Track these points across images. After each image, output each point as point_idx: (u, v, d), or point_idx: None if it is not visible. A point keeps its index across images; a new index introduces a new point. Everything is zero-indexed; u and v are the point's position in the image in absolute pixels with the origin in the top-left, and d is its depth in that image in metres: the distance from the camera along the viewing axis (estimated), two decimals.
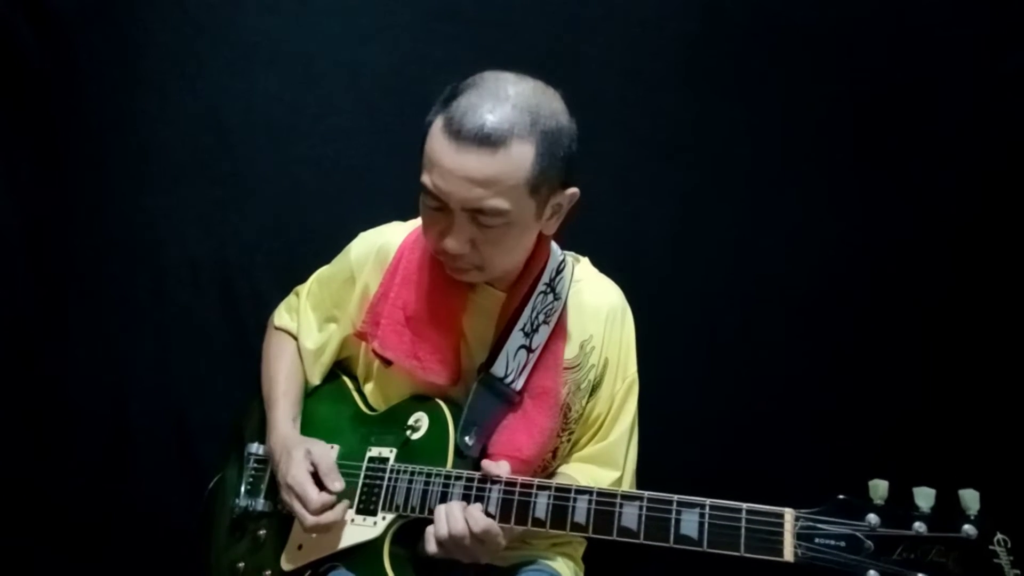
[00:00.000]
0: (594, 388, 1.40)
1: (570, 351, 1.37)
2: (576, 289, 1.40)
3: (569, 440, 1.41)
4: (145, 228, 1.93)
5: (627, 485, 1.40)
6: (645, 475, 1.43)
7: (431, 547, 1.20)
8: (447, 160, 1.17)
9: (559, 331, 1.36)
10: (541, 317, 1.34)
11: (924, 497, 0.97)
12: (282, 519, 1.38)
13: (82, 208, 1.92)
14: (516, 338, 1.33)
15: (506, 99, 1.18)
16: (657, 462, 1.46)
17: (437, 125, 1.20)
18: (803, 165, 1.90)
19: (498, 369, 1.32)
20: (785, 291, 1.88)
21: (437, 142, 1.18)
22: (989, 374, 1.83)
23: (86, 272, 1.92)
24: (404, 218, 1.44)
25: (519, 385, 1.33)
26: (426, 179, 1.20)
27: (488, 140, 1.16)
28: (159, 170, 1.93)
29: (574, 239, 1.49)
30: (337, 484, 1.28)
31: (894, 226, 1.88)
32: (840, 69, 1.88)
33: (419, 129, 1.82)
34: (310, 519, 1.26)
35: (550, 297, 1.35)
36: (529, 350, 1.33)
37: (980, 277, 1.85)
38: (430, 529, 1.20)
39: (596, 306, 1.40)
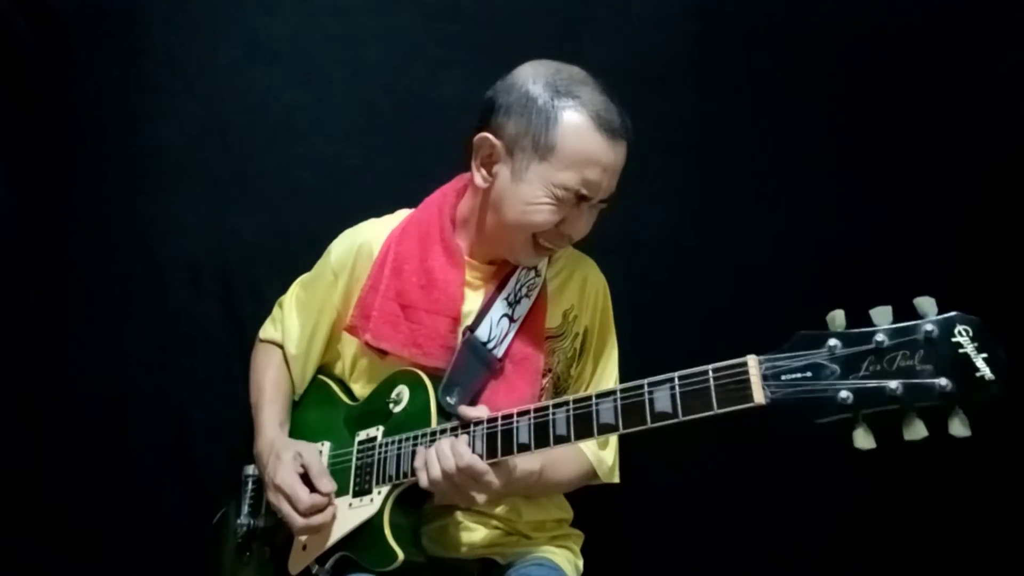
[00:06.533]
0: (579, 355, 1.46)
1: (553, 320, 1.43)
2: (555, 265, 1.46)
3: None
4: (145, 228, 1.92)
5: (614, 447, 1.45)
6: (643, 472, 1.44)
7: (423, 481, 1.21)
8: (606, 156, 1.27)
9: (540, 304, 1.41)
10: (524, 290, 1.39)
11: (881, 315, 0.98)
12: (285, 531, 1.38)
13: (82, 208, 1.92)
14: (500, 306, 1.38)
15: (608, 91, 1.30)
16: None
17: (580, 124, 1.26)
18: (803, 164, 1.90)
19: (482, 333, 1.36)
20: (786, 290, 1.88)
21: (590, 141, 1.26)
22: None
23: (86, 272, 1.92)
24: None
25: (500, 352, 1.37)
26: (573, 178, 1.27)
27: (630, 131, 1.30)
28: (159, 170, 1.92)
29: None
30: (328, 485, 1.30)
31: (894, 225, 1.88)
32: (840, 69, 1.88)
33: (418, 129, 1.83)
34: (300, 521, 1.27)
35: (532, 272, 1.41)
36: (511, 319, 1.38)
37: (979, 277, 1.85)
38: (419, 462, 1.22)
39: (575, 278, 1.47)
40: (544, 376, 1.41)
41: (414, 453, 1.26)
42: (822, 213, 1.90)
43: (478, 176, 1.34)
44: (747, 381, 1.02)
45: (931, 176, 1.88)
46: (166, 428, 1.93)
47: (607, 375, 1.48)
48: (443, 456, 1.19)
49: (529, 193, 1.29)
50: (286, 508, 1.28)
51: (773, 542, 1.86)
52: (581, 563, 1.49)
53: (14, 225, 1.91)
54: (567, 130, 1.25)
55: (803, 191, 1.90)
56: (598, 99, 1.27)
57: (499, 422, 1.21)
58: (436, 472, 1.19)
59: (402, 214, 1.48)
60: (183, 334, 1.93)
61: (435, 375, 1.33)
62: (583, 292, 1.47)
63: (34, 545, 1.88)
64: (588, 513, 1.56)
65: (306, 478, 1.31)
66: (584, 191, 1.27)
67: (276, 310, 1.58)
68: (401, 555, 1.23)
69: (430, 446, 1.23)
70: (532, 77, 1.29)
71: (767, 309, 1.89)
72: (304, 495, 1.28)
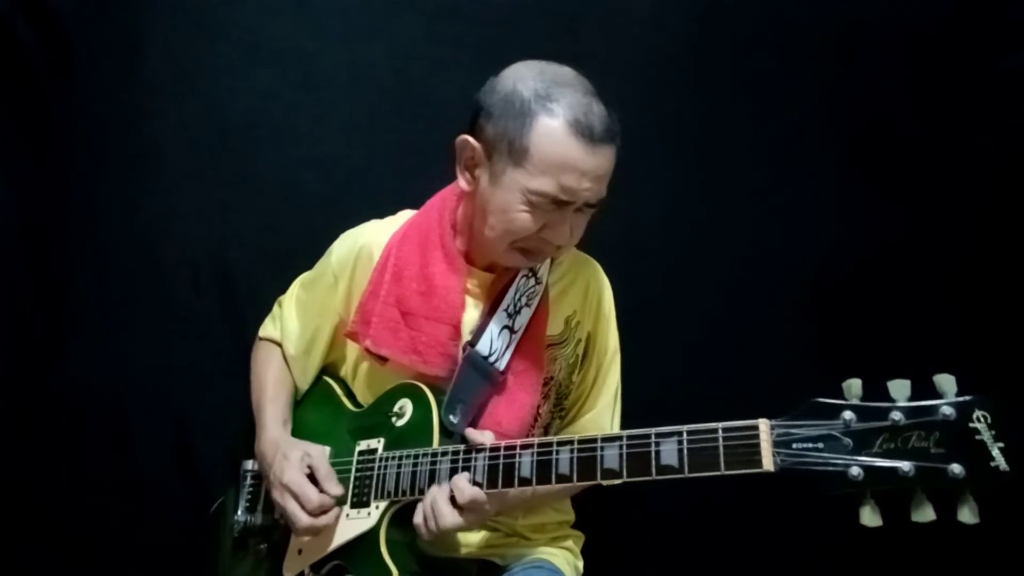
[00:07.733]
0: (581, 361, 1.44)
1: (555, 327, 1.40)
2: (557, 271, 1.43)
3: (562, 418, 1.46)
4: (145, 228, 1.92)
5: None
6: None
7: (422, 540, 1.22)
8: (585, 162, 1.21)
9: (541, 312, 1.38)
10: (523, 300, 1.37)
11: (899, 389, 0.96)
12: (282, 530, 1.38)
13: (82, 208, 1.92)
14: (500, 318, 1.35)
15: (594, 93, 1.24)
16: None
17: (555, 129, 1.20)
18: (803, 164, 1.90)
19: (482, 347, 1.34)
20: (787, 290, 1.88)
21: (566, 146, 1.20)
22: (989, 368, 1.83)
23: (86, 272, 1.92)
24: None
25: (502, 365, 1.35)
26: (548, 184, 1.21)
27: (614, 136, 1.23)
28: (159, 170, 1.92)
29: None
30: (335, 489, 1.29)
31: (893, 226, 1.88)
32: (841, 69, 1.88)
33: (418, 129, 1.82)
34: (305, 520, 1.26)
35: (532, 281, 1.38)
36: (512, 331, 1.36)
37: (978, 276, 1.85)
38: (418, 521, 1.22)
39: (579, 283, 1.44)
40: (546, 384, 1.40)
41: (414, 473, 1.25)
42: (823, 213, 1.89)
43: (462, 180, 1.32)
44: (757, 446, 1.01)
45: (933, 176, 1.87)
46: (166, 428, 1.93)
47: (609, 383, 1.46)
48: (439, 514, 1.19)
49: (504, 200, 1.25)
50: (293, 507, 1.27)
51: (773, 544, 1.86)
52: (581, 564, 1.49)
53: (14, 225, 1.91)
54: (541, 135, 1.21)
55: (803, 191, 1.89)
56: (579, 102, 1.21)
57: (501, 453, 1.20)
58: (422, 524, 1.21)
59: (405, 215, 1.47)
60: (183, 334, 1.93)
61: (436, 387, 1.32)
62: (586, 297, 1.44)
63: (34, 545, 1.88)
64: (589, 514, 1.56)
65: (311, 479, 1.30)
66: (563, 197, 1.22)
67: (276, 308, 1.57)
68: (396, 572, 1.23)
69: (431, 472, 1.23)
70: (515, 79, 1.25)
71: (768, 309, 1.89)
72: (313, 494, 1.27)
